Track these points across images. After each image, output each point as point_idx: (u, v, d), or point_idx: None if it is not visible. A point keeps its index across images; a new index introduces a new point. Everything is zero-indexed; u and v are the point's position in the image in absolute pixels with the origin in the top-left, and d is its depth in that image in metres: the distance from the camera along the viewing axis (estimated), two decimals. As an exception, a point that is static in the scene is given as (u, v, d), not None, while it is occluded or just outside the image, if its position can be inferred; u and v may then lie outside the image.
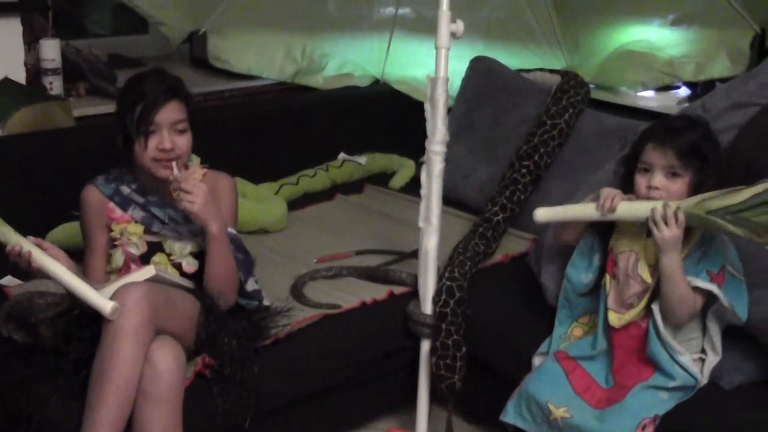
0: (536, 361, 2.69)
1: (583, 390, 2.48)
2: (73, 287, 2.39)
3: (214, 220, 2.57)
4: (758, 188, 2.29)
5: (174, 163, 2.56)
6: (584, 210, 2.59)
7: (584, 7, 4.39)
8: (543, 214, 2.67)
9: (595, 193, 2.57)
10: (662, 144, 2.48)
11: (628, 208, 2.50)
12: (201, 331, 2.58)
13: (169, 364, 2.38)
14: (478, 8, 4.54)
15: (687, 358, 2.45)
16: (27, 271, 2.46)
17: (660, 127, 2.57)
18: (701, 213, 2.34)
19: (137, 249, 2.68)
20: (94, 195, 2.71)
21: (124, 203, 2.70)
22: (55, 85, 3.53)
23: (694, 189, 2.46)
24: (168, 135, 2.58)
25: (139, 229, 2.69)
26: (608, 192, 2.52)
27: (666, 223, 2.37)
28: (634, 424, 2.35)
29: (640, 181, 2.52)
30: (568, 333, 2.71)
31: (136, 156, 2.60)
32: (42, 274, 2.44)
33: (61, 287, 2.53)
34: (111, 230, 2.70)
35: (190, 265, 2.70)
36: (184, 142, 2.61)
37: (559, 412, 2.41)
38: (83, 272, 2.65)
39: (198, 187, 2.55)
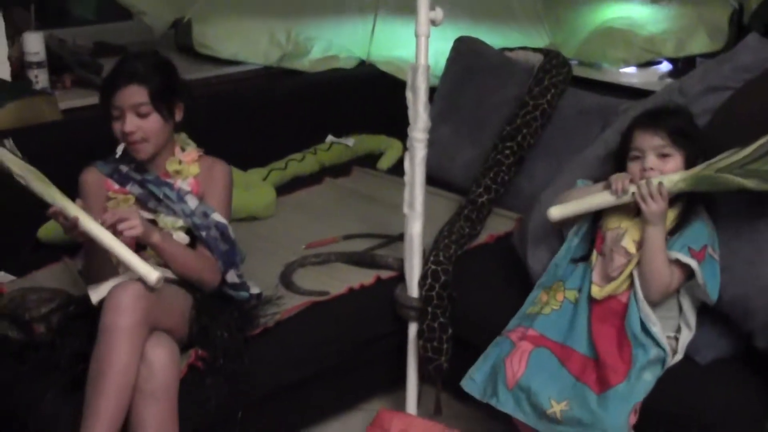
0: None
1: (580, 372, 2.52)
2: (120, 253, 2.43)
3: (153, 233, 2.57)
4: (763, 139, 2.37)
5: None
6: (594, 200, 2.64)
7: (566, -17, 4.40)
8: (557, 212, 2.71)
9: (607, 181, 2.64)
10: (652, 126, 2.57)
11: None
12: (193, 325, 2.63)
13: (164, 361, 2.42)
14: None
15: (659, 330, 2.51)
16: (70, 235, 2.48)
17: (646, 114, 2.67)
18: (711, 173, 2.42)
19: None
20: (93, 174, 2.76)
21: (123, 180, 2.75)
22: (40, 78, 3.55)
23: (687, 167, 2.54)
24: (129, 118, 2.62)
25: (131, 198, 2.74)
26: (619, 176, 2.60)
27: (653, 198, 2.45)
28: (628, 409, 2.42)
29: (634, 167, 2.59)
30: (538, 297, 2.76)
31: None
32: (85, 239, 2.47)
33: (55, 282, 2.58)
34: (108, 201, 2.74)
35: (180, 238, 2.73)
36: (148, 124, 2.65)
37: (560, 406, 2.46)
38: (84, 257, 2.68)
39: (128, 209, 2.59)
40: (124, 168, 2.76)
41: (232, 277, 2.78)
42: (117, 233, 2.45)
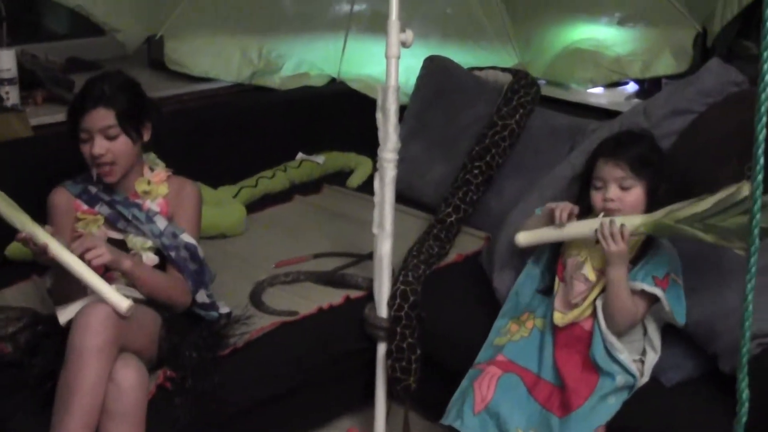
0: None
1: (545, 400, 2.55)
2: (89, 281, 2.45)
3: (122, 259, 2.58)
4: (720, 195, 2.37)
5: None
6: (563, 231, 2.66)
7: (534, 4, 4.44)
8: (524, 239, 2.74)
9: (546, 207, 2.69)
10: (613, 157, 2.60)
11: (580, 226, 2.61)
12: (162, 345, 2.64)
13: (132, 382, 2.42)
14: (432, 4, 4.58)
15: (626, 357, 2.54)
16: (40, 260, 2.49)
17: (609, 143, 2.69)
18: (671, 223, 2.43)
19: None
20: (62, 195, 2.77)
21: (92, 201, 2.76)
22: (11, 95, 3.53)
23: (648, 198, 2.59)
24: (99, 141, 2.64)
25: (100, 219, 2.74)
26: (559, 205, 2.65)
27: (613, 238, 2.47)
28: None
29: (596, 196, 2.63)
30: (506, 327, 2.79)
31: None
32: (54, 265, 2.49)
33: (23, 300, 2.58)
34: (77, 222, 2.75)
35: (150, 259, 2.74)
36: (116, 146, 2.67)
37: None
38: (53, 278, 2.68)
39: (94, 238, 2.59)
40: (93, 188, 2.77)
41: (201, 297, 2.80)
42: (87, 257, 2.47)
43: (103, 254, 2.48)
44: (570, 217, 2.63)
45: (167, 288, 2.71)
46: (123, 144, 2.68)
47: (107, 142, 2.65)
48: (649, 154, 2.62)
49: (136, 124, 2.71)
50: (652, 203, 2.58)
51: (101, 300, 2.44)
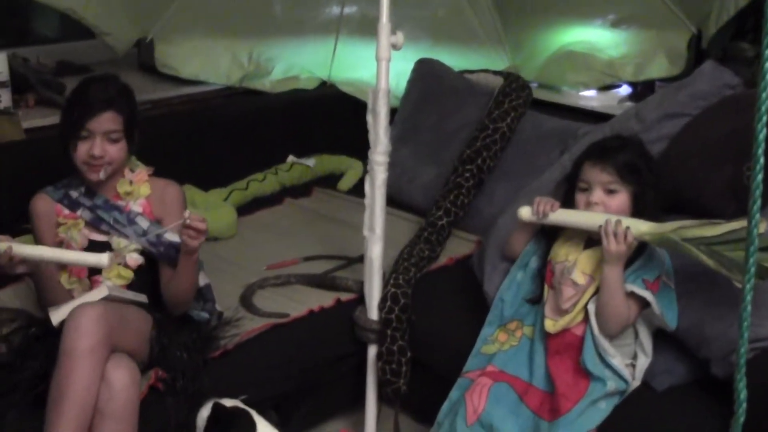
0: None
1: (537, 407, 2.54)
2: (64, 258, 2.57)
3: (197, 251, 2.64)
4: (734, 225, 2.33)
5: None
6: (565, 216, 2.65)
7: (525, 7, 4.44)
8: (526, 213, 2.72)
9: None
10: (600, 161, 2.59)
11: (585, 216, 2.59)
12: (153, 345, 2.63)
13: (124, 383, 2.42)
14: (423, 7, 4.58)
15: (618, 361, 2.52)
16: (8, 271, 2.51)
17: (596, 147, 2.68)
18: (677, 239, 2.40)
19: (77, 242, 2.72)
20: (43, 201, 2.77)
21: (73, 206, 2.75)
22: (3, 98, 3.54)
23: (634, 204, 2.57)
24: (100, 142, 2.64)
25: (80, 223, 2.74)
26: (542, 199, 2.67)
27: (616, 238, 2.45)
28: None
29: (580, 198, 2.63)
30: (494, 336, 2.78)
31: (71, 157, 2.67)
32: (25, 268, 2.54)
33: (17, 301, 2.59)
34: (58, 227, 2.74)
35: (134, 259, 2.74)
36: (115, 150, 2.67)
37: None
38: (39, 283, 2.70)
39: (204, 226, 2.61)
40: (74, 193, 2.77)
41: (203, 279, 2.83)
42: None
43: (199, 240, 2.58)
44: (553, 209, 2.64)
45: (195, 281, 2.75)
46: (121, 148, 2.69)
47: (108, 144, 2.65)
48: (636, 161, 2.60)
49: (134, 131, 2.73)
50: (637, 209, 2.58)
51: (91, 300, 2.46)
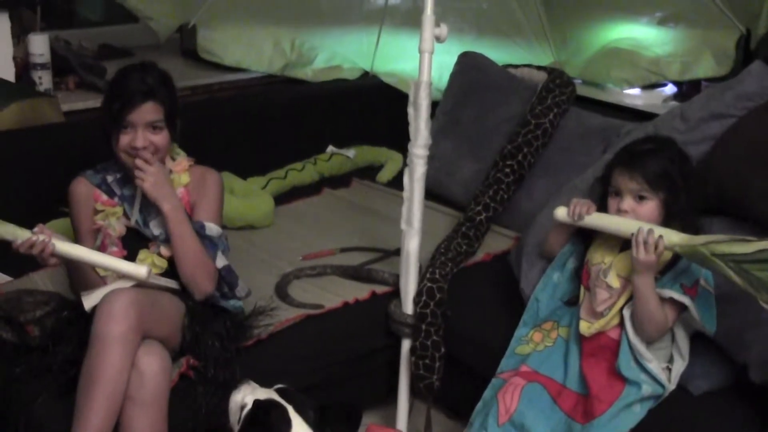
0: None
1: (570, 409, 2.52)
2: (101, 262, 2.53)
3: (166, 199, 2.62)
4: (766, 243, 2.28)
5: None
6: (599, 220, 2.61)
7: (573, 2, 4.39)
8: (562, 213, 2.70)
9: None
10: (629, 169, 2.55)
11: (620, 222, 2.55)
12: (185, 333, 2.63)
13: (155, 370, 2.42)
14: (468, 0, 4.56)
15: (655, 366, 2.49)
16: (45, 263, 2.51)
17: (626, 153, 2.64)
18: (707, 253, 2.35)
19: (114, 231, 2.71)
20: (82, 185, 2.76)
21: (110, 191, 2.75)
22: (44, 79, 3.56)
23: (666, 210, 2.53)
24: (142, 133, 2.62)
25: (119, 210, 2.73)
26: (578, 201, 2.63)
27: (646, 248, 2.41)
28: None
29: (612, 203, 2.60)
30: (528, 336, 2.75)
31: (113, 146, 2.66)
32: (58, 261, 2.52)
33: (51, 284, 2.58)
34: (96, 213, 2.73)
35: (168, 249, 2.71)
36: (158, 139, 2.66)
37: None
38: (72, 269, 2.67)
39: (152, 166, 2.61)
40: (110, 178, 2.76)
41: (221, 260, 2.75)
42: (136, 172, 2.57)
43: (147, 180, 2.58)
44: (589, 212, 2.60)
45: (197, 252, 2.67)
46: (164, 137, 2.67)
47: (151, 134, 2.64)
48: (668, 166, 2.54)
49: (175, 118, 2.72)
50: (668, 215, 2.53)
51: (125, 286, 2.44)
